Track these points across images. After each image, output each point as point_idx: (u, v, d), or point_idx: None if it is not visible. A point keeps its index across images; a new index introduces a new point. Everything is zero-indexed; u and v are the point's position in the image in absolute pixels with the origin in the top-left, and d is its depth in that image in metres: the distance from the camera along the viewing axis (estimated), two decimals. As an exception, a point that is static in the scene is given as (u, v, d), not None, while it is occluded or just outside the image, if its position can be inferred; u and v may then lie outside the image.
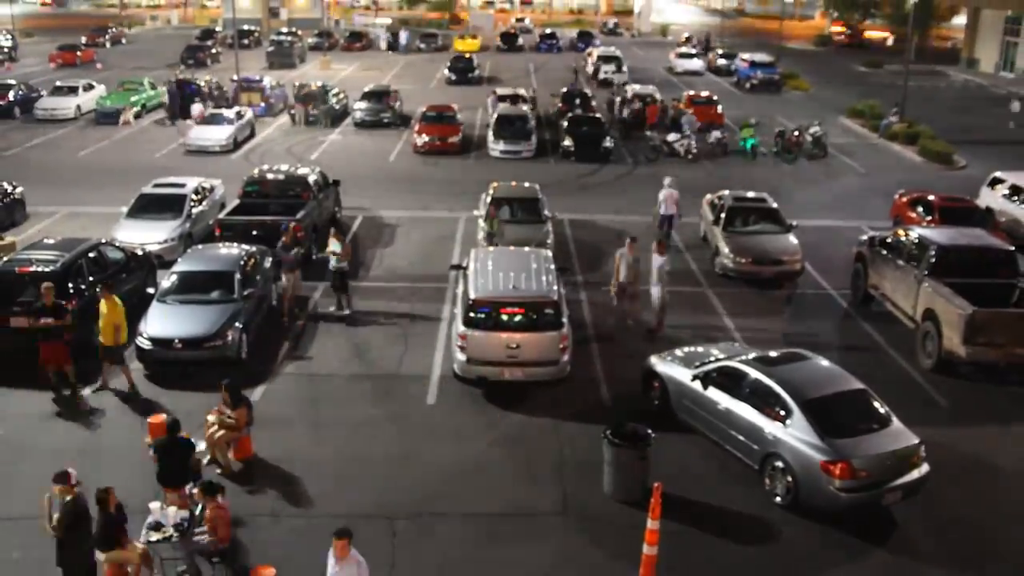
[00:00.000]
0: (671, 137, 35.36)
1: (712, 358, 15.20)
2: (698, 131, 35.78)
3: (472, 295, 16.17)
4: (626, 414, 14.69)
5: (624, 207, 27.73)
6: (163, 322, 16.73)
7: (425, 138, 34.93)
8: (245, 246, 19.59)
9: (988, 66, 61.87)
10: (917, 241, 19.04)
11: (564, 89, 43.23)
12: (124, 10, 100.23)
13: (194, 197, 23.64)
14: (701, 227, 24.62)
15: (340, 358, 17.63)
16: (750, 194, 24.46)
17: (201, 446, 13.22)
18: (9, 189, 25.44)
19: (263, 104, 40.75)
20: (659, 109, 39.76)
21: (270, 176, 24.97)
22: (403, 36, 69.49)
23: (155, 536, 10.83)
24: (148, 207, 23.01)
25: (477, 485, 13.47)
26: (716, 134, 35.79)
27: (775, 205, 23.47)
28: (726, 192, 24.33)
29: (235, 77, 43.35)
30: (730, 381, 14.16)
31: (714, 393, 14.26)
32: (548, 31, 76.65)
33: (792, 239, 22.08)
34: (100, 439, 14.59)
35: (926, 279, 18.01)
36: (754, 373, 13.84)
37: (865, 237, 21.28)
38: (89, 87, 43.32)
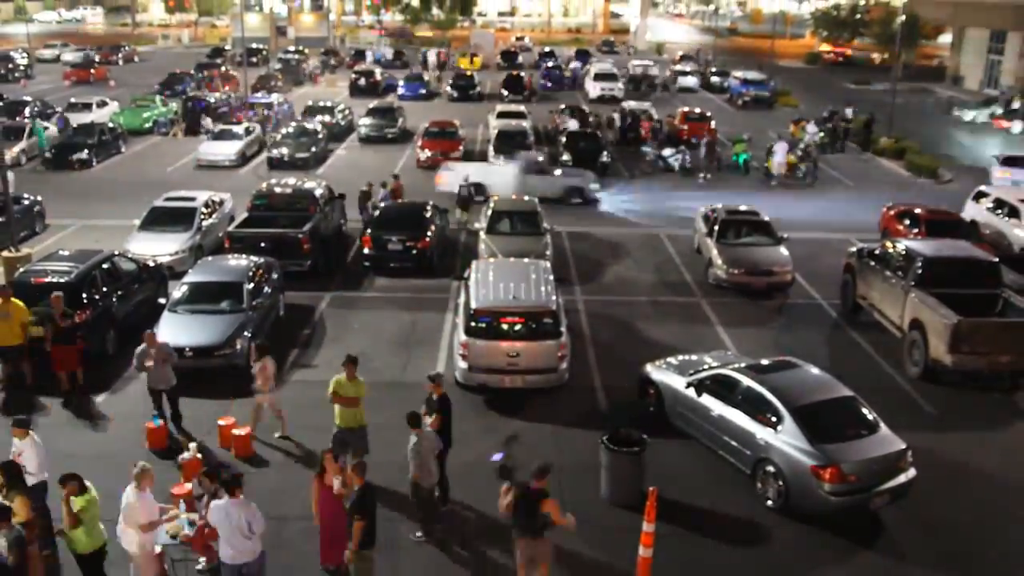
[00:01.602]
0: (666, 152, 35.51)
1: (705, 366, 15.25)
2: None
3: (473, 305, 16.24)
4: (622, 420, 14.77)
5: (621, 220, 27.84)
6: (174, 331, 16.76)
7: (428, 153, 35.05)
8: (254, 257, 19.69)
9: (973, 83, 62.18)
10: (904, 253, 19.12)
11: (562, 106, 43.42)
12: (136, 29, 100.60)
13: (204, 210, 23.74)
14: (695, 239, 24.70)
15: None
16: (742, 207, 24.56)
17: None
18: (29, 201, 25.64)
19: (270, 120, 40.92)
20: (651, 125, 39.98)
21: (278, 190, 25.06)
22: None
23: (168, 539, 10.84)
24: (160, 220, 23.09)
25: (478, 489, 13.49)
26: (709, 149, 35.89)
27: (767, 218, 23.57)
28: (719, 205, 24.45)
29: (229, 95, 43.51)
30: (723, 388, 14.21)
31: (708, 400, 14.32)
32: (547, 50, 76.92)
33: (783, 251, 22.17)
34: (110, 444, 14.62)
35: (913, 289, 18.08)
36: (746, 381, 13.89)
37: (854, 249, 21.36)
38: (103, 104, 43.56)
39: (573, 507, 13.00)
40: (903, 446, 12.84)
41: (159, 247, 21.88)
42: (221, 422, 14.45)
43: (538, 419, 15.56)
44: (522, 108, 42.44)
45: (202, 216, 23.47)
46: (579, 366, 17.25)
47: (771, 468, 12.95)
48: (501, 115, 40.47)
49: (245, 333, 16.90)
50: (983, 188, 27.15)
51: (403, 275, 22.52)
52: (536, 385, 16.06)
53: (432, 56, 69.27)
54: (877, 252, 20.11)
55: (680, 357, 16.28)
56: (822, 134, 38.82)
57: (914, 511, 12.95)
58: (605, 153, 34.70)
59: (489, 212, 23.37)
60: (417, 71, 61.19)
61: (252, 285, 18.11)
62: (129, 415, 15.44)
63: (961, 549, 12.36)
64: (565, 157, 34.41)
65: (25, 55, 65.66)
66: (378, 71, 57.91)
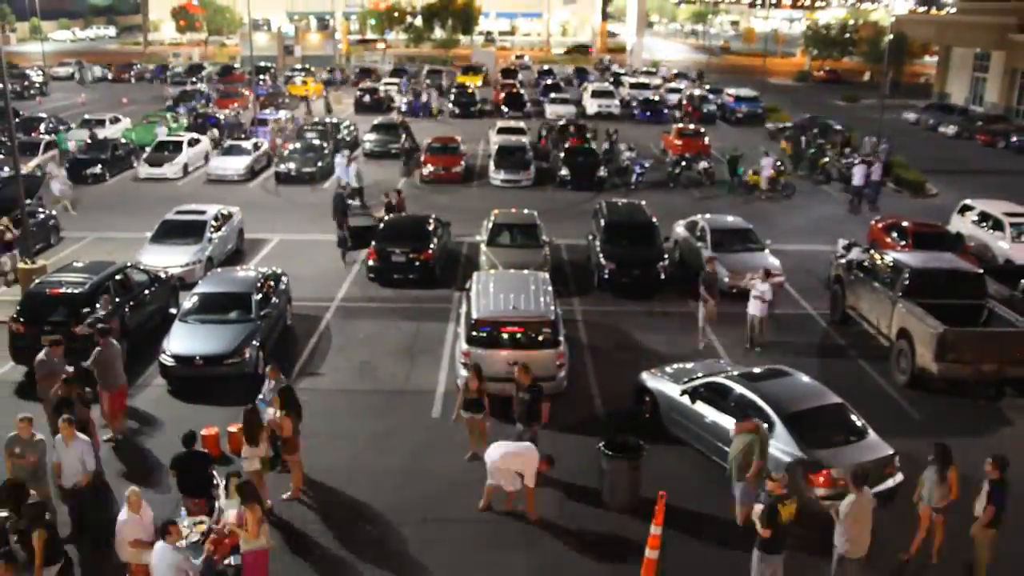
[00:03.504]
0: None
1: (699, 374, 15.30)
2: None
3: (475, 315, 16.31)
4: (619, 426, 14.81)
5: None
6: (184, 340, 16.85)
7: (430, 168, 35.19)
8: (262, 269, 19.77)
9: (958, 100, 62.31)
10: (892, 264, 19.20)
11: (561, 122, 43.56)
12: (147, 47, 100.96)
13: (214, 223, 23.82)
14: (675, 252, 24.80)
15: (351, 374, 17.73)
16: (729, 218, 24.97)
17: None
18: (44, 215, 25.84)
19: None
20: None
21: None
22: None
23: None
24: (171, 232, 23.20)
25: (479, 493, 13.54)
26: (703, 164, 36.05)
27: (750, 226, 24.11)
28: (699, 216, 24.69)
29: (238, 111, 43.66)
30: (716, 396, 14.26)
31: (702, 407, 14.36)
32: (546, 68, 77.18)
33: (771, 256, 22.61)
34: (124, 450, 14.67)
35: (900, 300, 18.16)
36: (739, 388, 13.95)
37: (843, 260, 21.44)
38: (115, 120, 43.74)
39: (572, 511, 13.09)
40: (891, 451, 12.89)
41: (170, 259, 21.98)
42: (231, 428, 14.48)
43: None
44: (522, 124, 42.62)
45: (212, 229, 23.56)
46: (577, 374, 17.30)
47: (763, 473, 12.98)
48: (501, 131, 40.66)
49: (253, 342, 16.96)
50: (968, 202, 27.27)
51: (407, 286, 22.61)
52: (535, 392, 16.09)
53: (444, 80, 69.26)
54: (866, 264, 20.20)
55: (675, 365, 16.33)
56: (813, 150, 38.91)
57: (902, 514, 12.96)
58: (603, 168, 34.83)
59: (490, 225, 23.47)
60: (418, 88, 61.18)
61: (260, 296, 18.19)
62: (141, 421, 15.49)
63: (947, 550, 12.38)
64: (563, 172, 34.54)
65: (40, 73, 65.93)
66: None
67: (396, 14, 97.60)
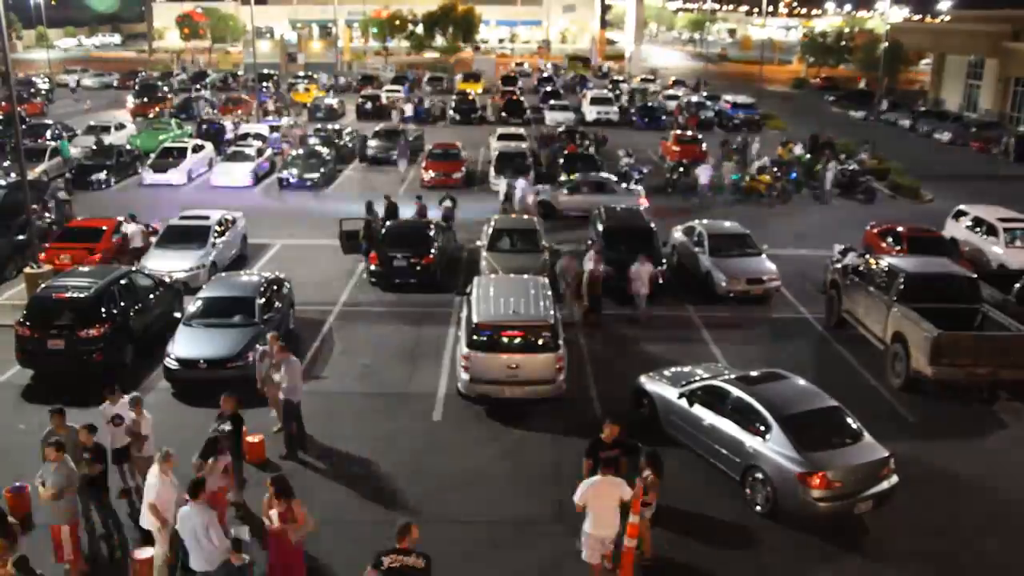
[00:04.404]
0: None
1: (697, 377, 15.32)
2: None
3: (475, 319, 16.32)
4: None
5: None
6: (189, 344, 16.88)
7: (432, 173, 35.24)
8: (265, 273, 19.81)
9: (953, 107, 62.45)
10: (887, 269, 19.22)
11: (561, 129, 43.64)
12: (152, 55, 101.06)
13: (217, 228, 23.85)
14: (673, 255, 24.86)
15: (353, 377, 17.75)
16: (726, 223, 24.97)
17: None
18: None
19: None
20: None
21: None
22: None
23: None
24: (175, 238, 23.24)
25: (479, 494, 13.57)
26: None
27: (747, 231, 24.18)
28: (696, 222, 24.73)
29: (242, 118, 43.69)
30: (714, 399, 14.28)
31: (699, 410, 14.38)
32: (545, 75, 77.27)
33: (768, 261, 22.51)
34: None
35: (895, 304, 18.18)
36: (736, 391, 13.96)
37: (838, 265, 21.47)
38: (120, 126, 43.79)
39: (570, 512, 13.06)
40: (886, 454, 12.90)
41: (175, 264, 21.99)
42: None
43: (537, 428, 15.63)
44: (522, 131, 42.68)
45: (216, 234, 23.59)
46: (576, 377, 17.31)
47: (760, 475, 13.00)
48: (502, 137, 40.72)
49: (257, 346, 16.96)
50: (962, 207, 27.33)
51: (408, 290, 22.63)
52: (535, 396, 16.10)
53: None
54: (861, 268, 20.23)
55: (673, 369, 16.35)
56: (808, 155, 38.99)
57: (897, 516, 12.99)
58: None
59: (490, 230, 23.51)
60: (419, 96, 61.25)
61: (263, 300, 18.22)
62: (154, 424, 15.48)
63: (942, 551, 12.41)
64: (563, 177, 34.55)
65: (47, 80, 66.01)
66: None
67: (398, 22, 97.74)
